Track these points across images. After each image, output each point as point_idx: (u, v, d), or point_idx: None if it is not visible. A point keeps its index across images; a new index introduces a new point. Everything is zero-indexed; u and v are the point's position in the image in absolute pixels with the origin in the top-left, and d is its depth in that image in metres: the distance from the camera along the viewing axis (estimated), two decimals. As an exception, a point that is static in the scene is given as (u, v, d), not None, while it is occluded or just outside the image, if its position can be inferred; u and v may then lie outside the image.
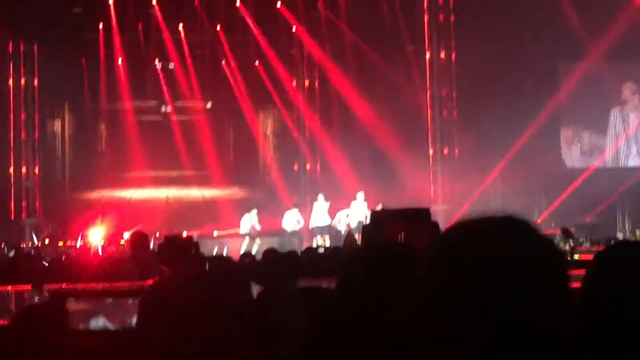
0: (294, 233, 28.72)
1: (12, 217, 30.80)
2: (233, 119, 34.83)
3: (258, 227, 28.96)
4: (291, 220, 29.04)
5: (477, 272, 1.98)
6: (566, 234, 17.85)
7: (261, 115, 35.17)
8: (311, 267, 11.31)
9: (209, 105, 34.26)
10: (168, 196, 31.93)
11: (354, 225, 27.17)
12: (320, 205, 28.91)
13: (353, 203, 28.18)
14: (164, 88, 33.54)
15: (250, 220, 29.01)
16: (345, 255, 11.10)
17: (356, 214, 27.94)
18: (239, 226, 29.37)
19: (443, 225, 12.50)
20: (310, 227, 28.97)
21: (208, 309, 2.05)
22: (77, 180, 33.31)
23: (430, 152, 30.80)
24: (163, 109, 34.13)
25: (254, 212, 29.16)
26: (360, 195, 28.13)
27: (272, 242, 25.02)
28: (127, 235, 27.20)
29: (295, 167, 34.04)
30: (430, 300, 2.01)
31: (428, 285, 2.05)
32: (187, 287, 2.10)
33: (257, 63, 33.60)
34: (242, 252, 23.06)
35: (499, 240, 2.06)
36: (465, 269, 1.99)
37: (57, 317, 3.37)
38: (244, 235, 28.52)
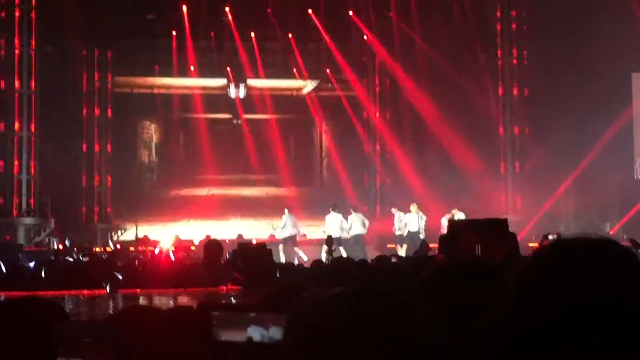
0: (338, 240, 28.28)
1: (84, 221, 31.16)
2: (302, 128, 35.16)
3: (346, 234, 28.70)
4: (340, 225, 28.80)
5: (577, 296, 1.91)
6: (635, 245, 17.60)
7: (331, 124, 35.29)
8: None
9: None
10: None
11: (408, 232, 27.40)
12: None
13: (407, 215, 28.11)
14: (237, 102, 34.12)
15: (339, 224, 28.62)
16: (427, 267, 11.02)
17: (411, 223, 28.06)
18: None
19: (519, 236, 12.42)
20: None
21: (358, 327, 2.01)
22: (164, 181, 34.75)
23: (502, 163, 30.60)
24: (235, 122, 34.75)
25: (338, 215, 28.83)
26: (413, 207, 28.08)
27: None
28: (197, 241, 27.37)
29: (365, 178, 34.06)
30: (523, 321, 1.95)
31: (521, 306, 1.99)
32: (340, 302, 2.06)
33: (328, 71, 33.68)
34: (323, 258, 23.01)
35: (600, 265, 1.98)
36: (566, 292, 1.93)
37: (204, 327, 3.37)
38: (318, 241, 27.93)
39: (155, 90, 34.02)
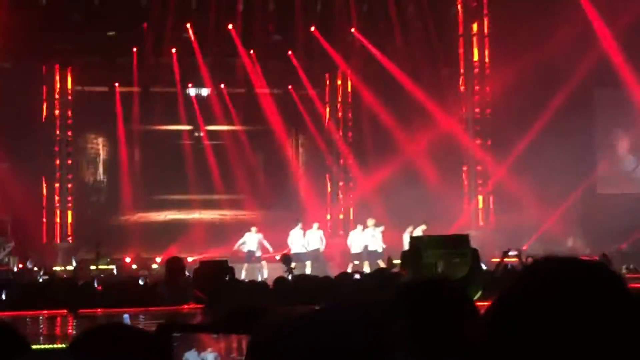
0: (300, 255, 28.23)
1: (44, 241, 30.87)
2: (265, 143, 34.89)
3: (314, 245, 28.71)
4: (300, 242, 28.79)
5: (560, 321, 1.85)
6: (606, 260, 17.64)
7: (293, 140, 35.22)
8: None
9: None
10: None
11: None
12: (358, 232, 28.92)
13: (367, 230, 28.14)
14: (198, 113, 33.74)
15: (301, 239, 28.60)
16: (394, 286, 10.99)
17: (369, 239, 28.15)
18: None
19: (481, 251, 12.37)
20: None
21: (324, 349, 1.93)
22: (115, 203, 33.43)
23: (465, 179, 30.73)
24: (196, 134, 34.40)
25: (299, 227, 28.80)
26: (371, 222, 28.12)
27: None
28: (159, 259, 27.22)
29: (328, 191, 34.04)
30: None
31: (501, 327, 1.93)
32: (305, 324, 1.98)
33: (289, 87, 33.69)
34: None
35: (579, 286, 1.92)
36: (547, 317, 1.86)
37: (165, 349, 3.29)
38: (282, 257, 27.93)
39: (117, 106, 33.57)
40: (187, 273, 15.56)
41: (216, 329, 3.54)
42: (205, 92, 33.74)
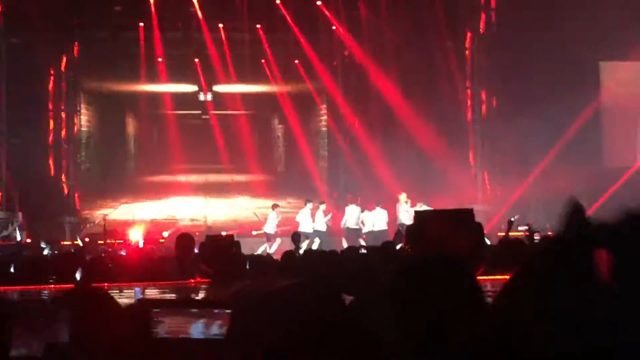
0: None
1: (52, 215, 31.00)
2: (270, 120, 35.34)
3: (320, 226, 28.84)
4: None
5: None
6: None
7: (300, 114, 35.32)
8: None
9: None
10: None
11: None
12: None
13: (397, 205, 28.11)
14: (202, 79, 34.36)
15: (309, 217, 28.79)
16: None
17: (402, 215, 28.01)
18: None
19: (485, 226, 12.44)
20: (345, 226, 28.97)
21: (301, 322, 1.99)
22: (141, 168, 36.63)
23: (471, 152, 30.71)
24: (202, 97, 34.75)
25: (309, 206, 28.95)
26: (403, 197, 28.07)
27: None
28: (166, 234, 27.30)
29: (337, 169, 34.14)
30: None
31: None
32: (282, 298, 2.04)
33: (296, 62, 33.69)
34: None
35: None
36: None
37: (144, 324, 3.35)
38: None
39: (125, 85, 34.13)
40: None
41: (195, 304, 3.60)
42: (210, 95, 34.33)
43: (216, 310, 3.47)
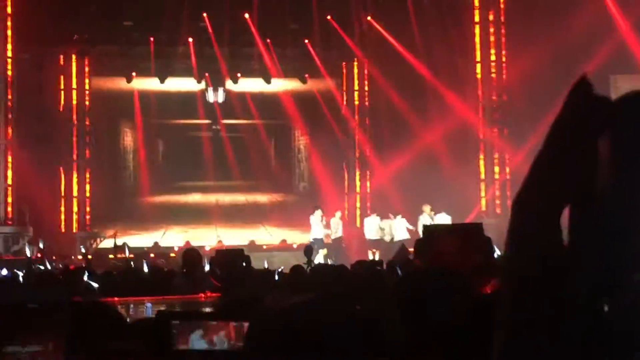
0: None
1: (63, 231, 31.04)
2: (281, 134, 35.25)
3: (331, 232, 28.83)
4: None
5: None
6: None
7: (306, 128, 35.30)
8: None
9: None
10: (217, 200, 32.48)
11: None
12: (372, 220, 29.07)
13: (420, 217, 28.02)
14: (217, 110, 34.18)
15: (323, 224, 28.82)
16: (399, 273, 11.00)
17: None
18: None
19: (495, 240, 12.39)
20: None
21: (317, 337, 1.99)
22: (137, 189, 34.71)
23: (481, 166, 30.68)
24: (214, 127, 34.70)
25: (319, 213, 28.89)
26: (427, 209, 27.99)
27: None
28: (176, 248, 27.33)
29: (346, 181, 34.09)
30: None
31: None
32: (301, 311, 2.04)
33: (306, 76, 33.74)
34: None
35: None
36: None
37: (163, 336, 3.36)
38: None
39: (134, 95, 33.78)
40: (204, 262, 15.65)
41: (214, 316, 3.60)
42: (221, 92, 33.92)
43: (234, 323, 3.48)
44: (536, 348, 1.49)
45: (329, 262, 23.22)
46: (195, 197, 34.62)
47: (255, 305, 3.56)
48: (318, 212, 28.68)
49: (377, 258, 25.76)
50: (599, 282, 1.48)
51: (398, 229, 28.56)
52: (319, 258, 26.37)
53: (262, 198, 34.71)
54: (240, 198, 34.83)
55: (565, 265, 1.50)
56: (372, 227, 29.25)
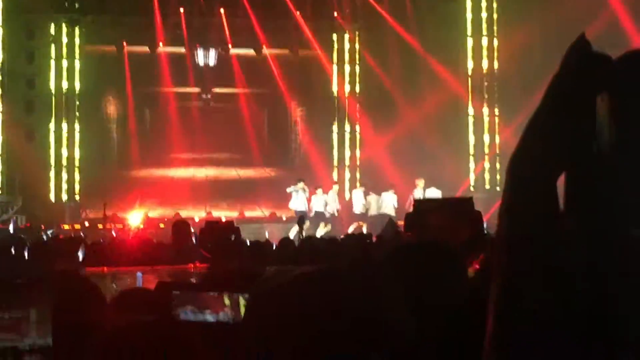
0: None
1: (52, 199, 30.95)
2: (271, 104, 34.96)
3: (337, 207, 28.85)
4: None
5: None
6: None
7: (299, 100, 35.17)
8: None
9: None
10: (207, 175, 32.08)
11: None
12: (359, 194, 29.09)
13: (414, 191, 27.97)
14: (206, 75, 33.87)
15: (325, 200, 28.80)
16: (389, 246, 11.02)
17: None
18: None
19: (484, 214, 12.45)
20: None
21: (320, 311, 1.99)
22: (124, 160, 33.82)
23: (471, 140, 30.72)
24: (204, 96, 34.45)
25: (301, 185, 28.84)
26: (421, 183, 27.96)
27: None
28: (166, 219, 27.32)
29: (334, 154, 34.02)
30: None
31: None
32: (307, 284, 2.04)
33: (297, 47, 33.66)
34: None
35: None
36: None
37: (164, 307, 3.37)
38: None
39: (125, 65, 33.51)
40: (193, 233, 15.65)
41: (215, 287, 3.59)
42: (212, 54, 33.64)
43: (235, 295, 3.48)
44: (530, 323, 1.47)
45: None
46: (184, 171, 34.18)
47: (253, 277, 3.56)
48: (300, 185, 28.57)
49: (364, 231, 25.78)
50: (597, 241, 1.46)
51: (385, 203, 28.57)
52: (319, 232, 26.37)
53: (252, 172, 34.35)
54: (230, 172, 34.51)
55: (563, 233, 1.48)
56: (359, 200, 29.31)
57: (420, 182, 27.91)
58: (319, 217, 27.98)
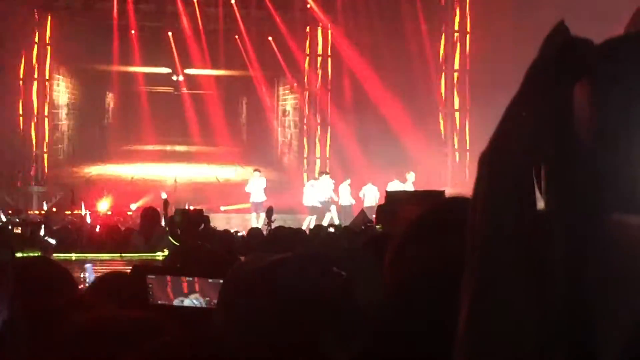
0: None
1: (19, 184, 30.74)
2: (245, 93, 34.94)
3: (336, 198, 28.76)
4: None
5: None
6: None
7: (273, 91, 35.17)
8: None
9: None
10: (176, 179, 31.39)
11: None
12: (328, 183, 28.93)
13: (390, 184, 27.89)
14: (177, 58, 33.69)
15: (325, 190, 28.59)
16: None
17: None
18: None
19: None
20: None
21: (295, 296, 1.95)
22: (82, 153, 33.55)
23: (443, 134, 30.82)
24: (174, 77, 34.27)
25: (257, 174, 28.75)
26: (411, 176, 27.88)
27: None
28: (134, 206, 27.19)
29: (306, 146, 33.96)
30: None
31: None
32: (276, 270, 2.00)
33: (270, 39, 33.55)
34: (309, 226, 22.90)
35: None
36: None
37: (140, 291, 3.33)
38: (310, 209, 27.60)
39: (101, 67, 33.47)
40: (162, 221, 15.59)
41: (189, 272, 3.55)
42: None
43: (210, 280, 3.44)
44: (505, 314, 1.43)
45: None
46: (148, 168, 33.71)
47: (225, 263, 3.51)
48: (256, 174, 28.39)
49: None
50: (577, 229, 1.40)
51: (342, 194, 28.56)
52: (325, 221, 26.20)
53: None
54: (201, 169, 34.17)
55: (541, 225, 1.41)
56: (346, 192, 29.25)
57: (410, 176, 27.82)
58: (326, 206, 28.04)
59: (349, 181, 28.69)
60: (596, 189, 1.41)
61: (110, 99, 35.41)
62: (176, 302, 3.49)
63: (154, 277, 3.53)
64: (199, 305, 3.44)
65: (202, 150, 34.31)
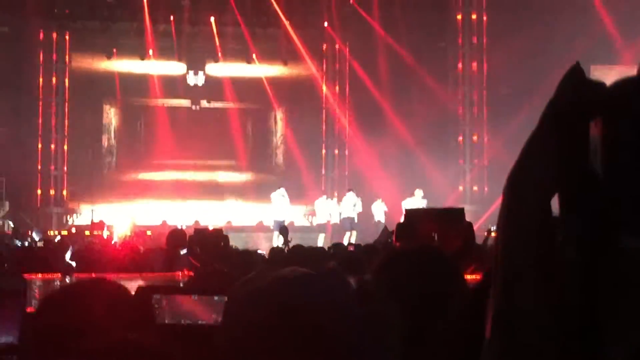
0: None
1: (39, 206, 30.86)
2: (261, 115, 34.99)
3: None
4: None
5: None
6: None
7: (290, 110, 35.15)
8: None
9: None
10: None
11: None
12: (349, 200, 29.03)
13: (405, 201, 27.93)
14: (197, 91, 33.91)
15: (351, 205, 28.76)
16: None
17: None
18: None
19: (473, 226, 12.47)
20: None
21: (307, 313, 1.97)
22: (122, 165, 34.03)
23: (460, 151, 30.81)
24: (194, 107, 34.39)
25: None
26: (419, 193, 27.96)
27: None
28: (153, 229, 27.27)
29: (323, 164, 33.98)
30: None
31: None
32: (286, 287, 2.02)
33: (287, 58, 33.63)
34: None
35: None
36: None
37: (145, 311, 3.34)
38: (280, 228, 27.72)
39: (115, 73, 33.40)
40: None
41: (195, 290, 3.57)
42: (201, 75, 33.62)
43: (216, 298, 3.46)
44: (526, 328, 1.52)
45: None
46: (171, 175, 34.06)
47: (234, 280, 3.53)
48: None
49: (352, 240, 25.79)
50: (590, 253, 1.52)
51: (375, 212, 28.76)
52: (345, 240, 26.31)
53: (240, 177, 34.34)
54: (217, 177, 34.44)
55: (558, 248, 1.54)
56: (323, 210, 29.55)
57: (419, 193, 27.90)
58: (345, 223, 28.28)
59: (380, 200, 28.92)
60: (612, 216, 1.53)
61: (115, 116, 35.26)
62: (181, 321, 3.51)
63: (159, 296, 3.55)
64: (205, 324, 3.46)
65: (221, 164, 34.44)
